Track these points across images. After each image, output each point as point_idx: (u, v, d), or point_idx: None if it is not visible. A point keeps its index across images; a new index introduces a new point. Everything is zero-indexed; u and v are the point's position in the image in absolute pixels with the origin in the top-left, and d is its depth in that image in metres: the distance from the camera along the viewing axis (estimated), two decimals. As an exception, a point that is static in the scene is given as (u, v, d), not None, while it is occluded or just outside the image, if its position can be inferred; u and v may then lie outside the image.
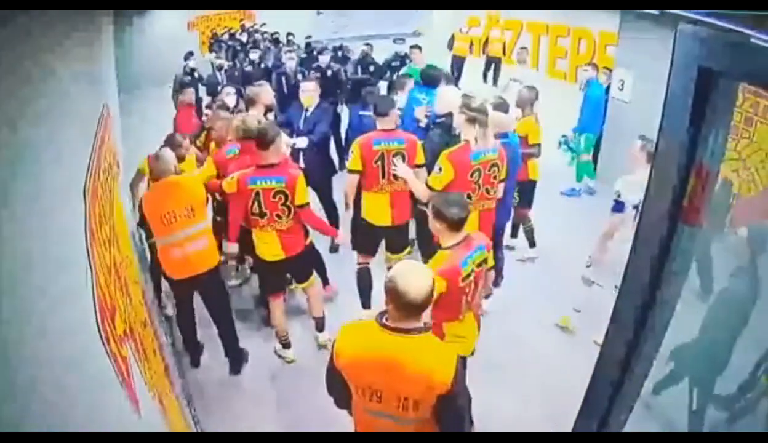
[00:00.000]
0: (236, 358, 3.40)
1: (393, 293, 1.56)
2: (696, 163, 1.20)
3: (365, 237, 3.62)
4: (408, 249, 3.78)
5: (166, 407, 2.05)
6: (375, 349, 1.62)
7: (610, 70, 5.94)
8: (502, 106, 3.53)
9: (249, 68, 7.50)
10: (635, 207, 3.02)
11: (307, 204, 3.12)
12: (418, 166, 3.34)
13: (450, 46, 9.81)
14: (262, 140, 2.96)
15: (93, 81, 2.44)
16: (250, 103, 3.89)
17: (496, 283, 3.82)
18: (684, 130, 1.17)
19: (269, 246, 3.17)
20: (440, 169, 2.90)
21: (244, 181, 2.99)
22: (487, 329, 3.73)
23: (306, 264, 3.42)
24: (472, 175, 2.93)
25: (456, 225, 2.27)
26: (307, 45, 8.84)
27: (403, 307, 1.57)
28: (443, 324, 2.38)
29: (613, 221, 3.27)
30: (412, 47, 6.44)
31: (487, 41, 9.35)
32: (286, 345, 3.50)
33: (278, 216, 3.07)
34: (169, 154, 3.14)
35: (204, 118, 4.52)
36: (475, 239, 2.38)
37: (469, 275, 2.30)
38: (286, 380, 3.37)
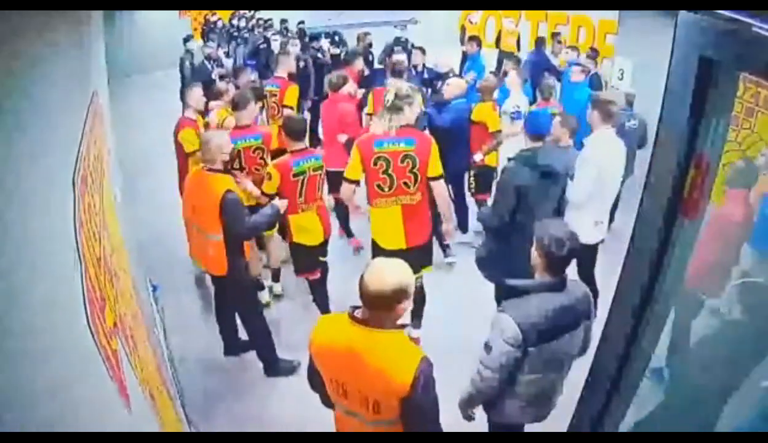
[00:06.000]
0: (267, 363, 3.27)
1: (359, 284, 1.56)
2: (696, 154, 1.19)
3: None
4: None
5: (158, 402, 2.03)
6: (341, 340, 1.61)
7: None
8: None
9: (264, 45, 7.38)
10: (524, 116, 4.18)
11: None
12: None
13: (462, 41, 9.55)
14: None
15: (82, 68, 2.38)
16: (343, 81, 4.31)
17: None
18: (684, 120, 1.15)
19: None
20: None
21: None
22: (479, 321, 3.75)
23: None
24: (375, 163, 2.90)
25: (294, 135, 3.15)
26: (301, 30, 8.68)
27: (365, 300, 1.57)
28: (288, 217, 3.21)
29: (514, 126, 4.30)
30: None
31: (499, 35, 9.07)
32: (276, 277, 3.94)
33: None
34: (217, 140, 2.85)
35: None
36: (312, 151, 3.27)
37: (300, 173, 3.11)
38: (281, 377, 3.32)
